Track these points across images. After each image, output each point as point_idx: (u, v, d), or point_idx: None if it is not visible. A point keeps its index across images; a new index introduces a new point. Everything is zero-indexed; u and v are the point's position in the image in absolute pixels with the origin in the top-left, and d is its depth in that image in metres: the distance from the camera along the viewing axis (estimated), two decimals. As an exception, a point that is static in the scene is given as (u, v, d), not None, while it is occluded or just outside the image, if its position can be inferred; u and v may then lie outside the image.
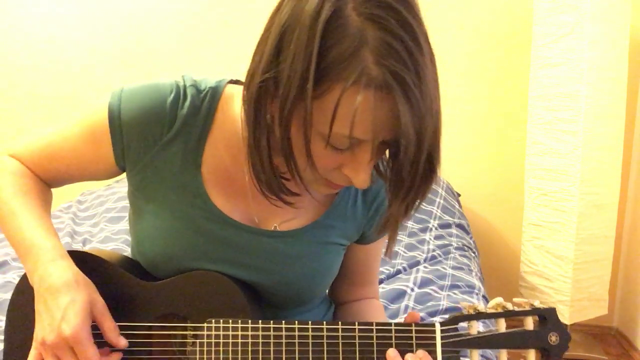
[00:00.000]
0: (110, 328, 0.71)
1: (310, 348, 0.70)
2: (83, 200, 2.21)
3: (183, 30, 2.47)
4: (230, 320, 0.71)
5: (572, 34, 1.89)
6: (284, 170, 0.66)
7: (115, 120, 0.73)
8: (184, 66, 2.44)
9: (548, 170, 2.03)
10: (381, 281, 1.52)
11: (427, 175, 0.64)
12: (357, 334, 0.70)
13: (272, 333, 0.70)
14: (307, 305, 0.87)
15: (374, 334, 0.70)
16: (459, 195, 2.30)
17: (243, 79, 0.66)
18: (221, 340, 0.71)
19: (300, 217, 0.79)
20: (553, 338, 0.69)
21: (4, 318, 0.87)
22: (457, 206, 2.12)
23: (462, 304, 0.70)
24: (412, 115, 0.57)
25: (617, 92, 1.95)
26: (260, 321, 0.71)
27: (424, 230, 1.88)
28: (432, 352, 0.69)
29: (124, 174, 0.80)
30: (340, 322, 0.70)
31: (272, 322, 0.71)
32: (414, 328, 0.70)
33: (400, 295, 1.42)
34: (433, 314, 1.34)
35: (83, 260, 0.76)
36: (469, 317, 0.69)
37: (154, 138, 0.74)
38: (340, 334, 0.70)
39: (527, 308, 0.69)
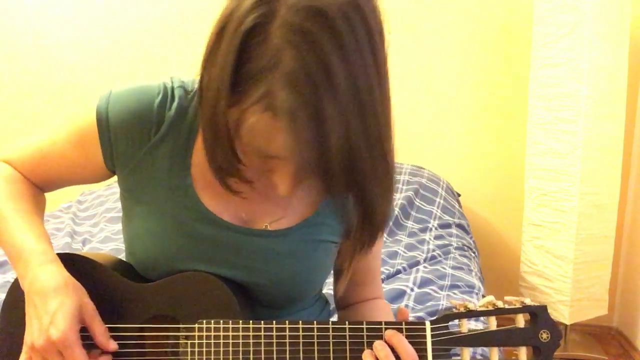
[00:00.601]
0: (100, 332, 0.71)
1: (301, 348, 0.70)
2: (83, 200, 2.21)
3: (182, 30, 2.47)
4: (221, 321, 0.71)
5: (572, 34, 1.89)
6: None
7: (103, 124, 0.74)
8: (184, 66, 2.43)
9: (548, 170, 2.03)
10: (381, 281, 1.52)
11: (358, 204, 0.64)
12: (347, 333, 0.70)
13: (262, 333, 0.71)
14: (301, 304, 0.87)
15: (364, 333, 0.70)
16: (459, 195, 2.30)
17: None
18: (212, 341, 0.71)
19: (291, 215, 0.79)
20: (544, 335, 0.69)
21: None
22: (457, 206, 2.12)
23: (453, 302, 0.70)
24: (304, 144, 0.57)
25: (617, 92, 1.95)
26: (251, 321, 0.71)
27: (423, 230, 1.88)
28: (423, 350, 0.69)
29: (119, 176, 0.80)
30: (330, 322, 0.71)
31: (262, 322, 0.71)
32: (404, 327, 0.70)
33: (400, 295, 1.42)
34: (433, 313, 1.34)
35: (74, 263, 0.76)
36: (459, 315, 0.69)
37: (142, 140, 0.74)
38: (330, 333, 0.70)
39: (518, 306, 0.69)
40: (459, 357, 0.70)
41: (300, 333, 0.70)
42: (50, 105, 2.62)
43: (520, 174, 2.22)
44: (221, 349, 0.71)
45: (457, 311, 0.69)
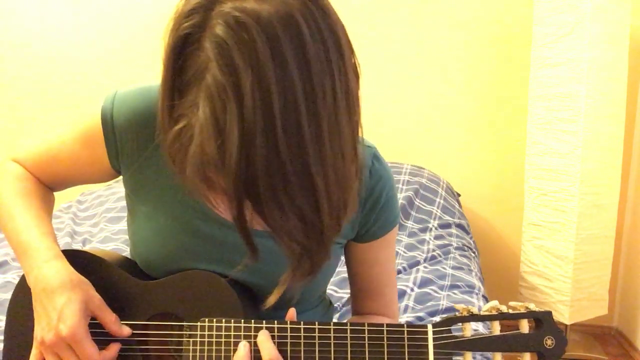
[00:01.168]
0: (111, 320, 0.73)
1: (302, 348, 0.70)
2: (83, 200, 2.21)
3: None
4: (224, 320, 0.72)
5: (572, 34, 1.89)
6: None
7: (109, 124, 0.75)
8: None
9: (548, 170, 2.03)
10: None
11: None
12: (348, 334, 0.70)
13: (259, 334, 0.70)
14: (304, 305, 0.87)
15: (366, 335, 0.70)
16: (459, 195, 2.30)
17: None
18: (215, 339, 0.72)
19: None
20: (549, 342, 0.68)
21: (4, 318, 0.88)
22: (457, 206, 2.12)
23: (456, 306, 0.69)
24: (231, 159, 0.54)
25: (617, 92, 1.95)
26: (252, 320, 0.71)
27: (424, 230, 1.88)
28: (424, 354, 0.69)
29: (124, 176, 0.81)
30: (332, 323, 0.71)
31: (264, 321, 0.71)
32: (406, 329, 0.69)
33: (400, 295, 1.42)
34: (433, 313, 1.34)
35: (78, 259, 0.76)
36: (462, 319, 0.68)
37: (147, 140, 0.74)
38: (332, 334, 0.70)
39: (523, 311, 0.68)
40: (461, 360, 0.70)
41: (302, 334, 0.70)
42: (52, 105, 2.62)
43: (520, 174, 2.22)
44: (223, 347, 0.71)
45: (460, 315, 0.69)
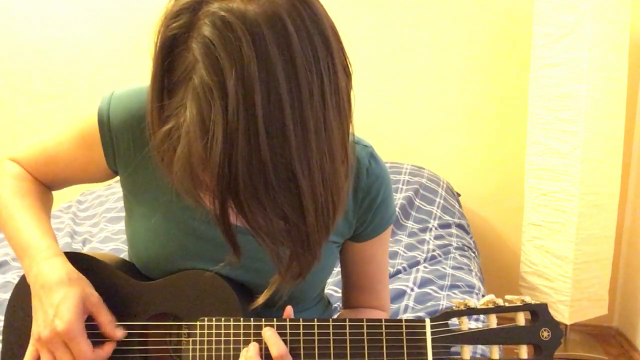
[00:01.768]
0: (106, 321, 0.72)
1: (302, 345, 0.70)
2: (83, 200, 2.21)
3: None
4: (223, 319, 0.72)
5: (572, 34, 1.89)
6: None
7: (105, 125, 0.75)
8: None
9: (548, 170, 2.03)
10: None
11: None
12: (347, 330, 0.70)
13: (263, 330, 0.71)
14: (302, 305, 0.87)
15: (365, 330, 0.70)
16: (459, 195, 2.30)
17: None
18: (214, 339, 0.72)
19: None
20: (545, 334, 0.69)
21: (2, 318, 0.88)
22: (457, 206, 2.12)
23: (453, 300, 0.70)
24: (215, 159, 0.54)
25: (617, 92, 1.95)
26: (252, 319, 0.71)
27: (424, 230, 1.88)
28: (423, 348, 0.69)
29: (123, 176, 0.81)
30: (330, 319, 0.71)
31: (263, 319, 0.71)
32: (404, 324, 0.70)
33: (400, 295, 1.42)
34: (433, 313, 1.34)
35: (78, 261, 0.76)
36: (459, 313, 0.69)
37: (143, 141, 0.74)
38: (331, 330, 0.70)
39: (519, 304, 0.69)
40: (459, 356, 0.70)
41: (301, 330, 0.70)
42: (53, 106, 2.62)
43: (520, 174, 2.22)
44: (222, 346, 0.71)
45: (457, 309, 0.69)
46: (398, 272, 1.58)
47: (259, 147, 0.53)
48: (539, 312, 0.69)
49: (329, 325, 0.70)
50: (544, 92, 2.00)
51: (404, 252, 1.71)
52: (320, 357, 0.70)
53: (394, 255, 1.69)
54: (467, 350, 0.69)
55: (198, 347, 0.72)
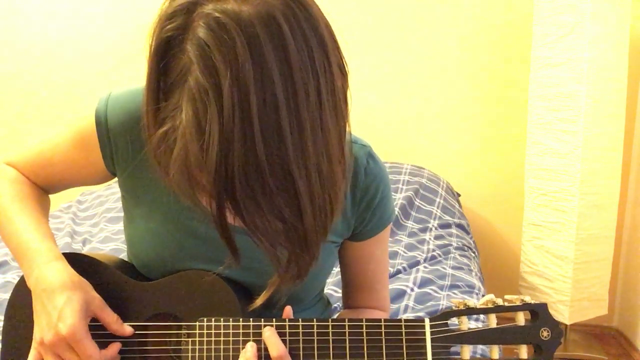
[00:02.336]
0: (113, 320, 0.73)
1: (301, 345, 0.70)
2: (83, 200, 2.21)
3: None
4: (222, 319, 0.72)
5: (572, 34, 1.89)
6: None
7: (103, 126, 0.75)
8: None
9: (548, 170, 2.03)
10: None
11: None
12: (347, 330, 0.70)
13: (263, 330, 0.71)
14: (302, 305, 0.87)
15: (364, 330, 0.70)
16: (459, 195, 2.30)
17: None
18: (213, 339, 0.72)
19: None
20: (545, 333, 0.69)
21: (2, 318, 0.88)
22: (457, 206, 2.12)
23: (453, 300, 0.70)
24: (212, 160, 0.54)
25: (617, 92, 1.95)
26: (251, 319, 0.71)
27: (424, 230, 1.88)
28: (422, 348, 0.69)
29: (121, 177, 0.80)
30: (330, 319, 0.71)
31: (262, 319, 0.71)
32: (403, 324, 0.70)
33: (400, 295, 1.42)
34: (433, 314, 1.33)
35: (77, 262, 0.76)
36: (459, 313, 0.69)
37: (141, 142, 0.74)
38: (330, 330, 0.70)
39: (518, 304, 0.69)
40: (459, 356, 0.70)
41: (300, 330, 0.70)
42: (52, 106, 2.62)
43: (520, 174, 2.22)
44: (221, 347, 0.71)
45: (456, 309, 0.69)
46: (398, 272, 1.58)
47: (254, 148, 0.53)
48: (538, 312, 0.69)
49: (328, 325, 0.70)
50: (544, 92, 2.00)
51: (404, 252, 1.71)
52: (320, 357, 0.70)
53: (394, 255, 1.68)
54: (466, 350, 0.69)
55: (197, 347, 0.72)
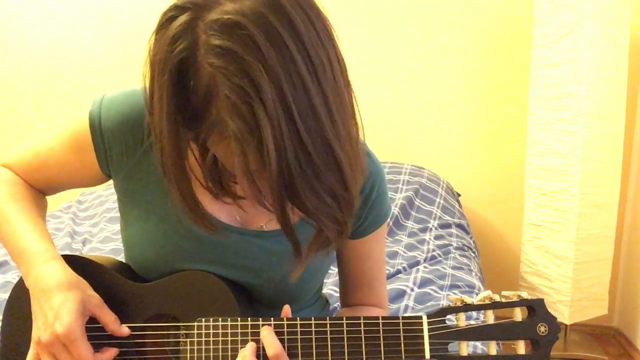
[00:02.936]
0: (111, 320, 0.73)
1: (299, 344, 0.70)
2: (83, 200, 2.21)
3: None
4: (220, 319, 0.72)
5: (572, 34, 1.89)
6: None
7: (96, 128, 0.74)
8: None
9: (548, 170, 2.03)
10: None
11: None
12: (345, 328, 0.70)
13: (260, 330, 0.71)
14: (300, 304, 0.87)
15: (362, 328, 0.70)
16: (459, 195, 2.30)
17: None
18: (211, 339, 0.72)
19: None
20: (542, 329, 0.69)
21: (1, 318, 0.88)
22: (457, 206, 2.12)
23: (450, 297, 0.70)
24: (255, 162, 0.56)
25: (617, 92, 1.95)
26: (249, 318, 0.71)
27: (424, 230, 1.88)
28: (420, 344, 0.69)
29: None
30: (328, 318, 0.71)
31: (260, 319, 0.71)
32: (401, 321, 0.70)
33: (400, 295, 1.42)
34: (433, 313, 1.33)
35: (74, 263, 0.76)
36: (456, 309, 0.69)
37: (135, 144, 0.74)
38: (328, 328, 0.70)
39: (515, 299, 0.69)
40: (456, 352, 0.70)
41: (298, 329, 0.70)
42: (52, 106, 2.62)
43: (520, 174, 2.22)
44: (220, 347, 0.71)
45: (454, 305, 0.69)
46: (398, 272, 1.58)
47: (298, 132, 0.54)
48: (535, 308, 0.69)
49: (326, 323, 0.70)
50: (544, 92, 2.00)
51: (404, 252, 1.71)
52: (318, 355, 0.70)
53: (394, 255, 1.69)
54: (464, 346, 0.70)
55: (196, 347, 0.72)
